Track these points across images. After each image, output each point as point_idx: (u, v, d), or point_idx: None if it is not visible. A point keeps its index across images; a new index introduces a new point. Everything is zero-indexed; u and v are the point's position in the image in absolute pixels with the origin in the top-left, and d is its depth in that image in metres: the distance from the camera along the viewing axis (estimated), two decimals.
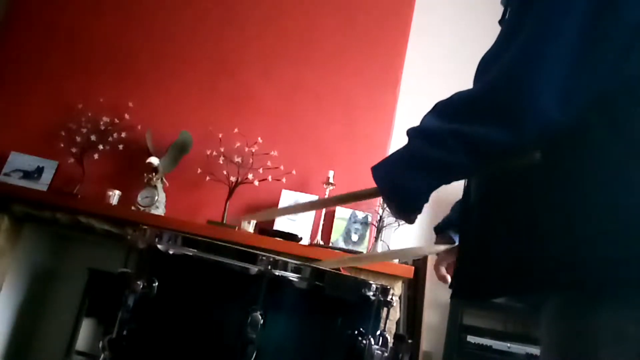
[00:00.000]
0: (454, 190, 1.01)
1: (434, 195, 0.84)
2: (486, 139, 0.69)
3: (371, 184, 0.89)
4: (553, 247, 0.68)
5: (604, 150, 0.67)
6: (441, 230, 1.07)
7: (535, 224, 0.71)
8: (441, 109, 0.77)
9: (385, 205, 2.52)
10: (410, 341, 1.01)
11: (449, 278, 1.06)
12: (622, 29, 0.64)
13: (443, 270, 1.08)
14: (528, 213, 0.72)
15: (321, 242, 2.54)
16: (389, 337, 1.05)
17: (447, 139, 0.72)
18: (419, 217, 1.07)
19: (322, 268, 0.99)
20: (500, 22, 0.83)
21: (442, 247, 1.04)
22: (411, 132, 0.79)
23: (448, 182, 0.78)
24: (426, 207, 0.83)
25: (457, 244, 1.01)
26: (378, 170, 0.82)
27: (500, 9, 0.84)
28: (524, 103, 0.66)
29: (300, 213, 2.52)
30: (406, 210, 0.85)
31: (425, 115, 0.79)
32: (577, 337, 0.67)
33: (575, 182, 0.68)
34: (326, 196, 2.57)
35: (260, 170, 2.64)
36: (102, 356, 0.95)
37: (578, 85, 0.66)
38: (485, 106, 0.70)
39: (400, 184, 0.79)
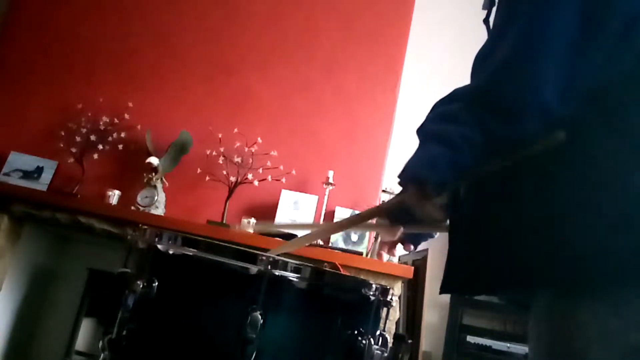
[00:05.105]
0: None
1: None
2: (494, 129, 0.68)
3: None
4: (539, 243, 0.68)
5: (594, 144, 0.66)
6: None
7: (522, 219, 0.70)
8: (441, 102, 0.76)
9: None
10: (409, 341, 1.01)
11: (385, 256, 1.06)
12: (617, 20, 0.64)
13: (385, 248, 1.08)
14: (515, 208, 0.72)
15: (321, 242, 2.54)
16: (388, 337, 1.05)
17: (460, 113, 0.70)
18: None
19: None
20: (484, 21, 0.83)
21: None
22: (420, 127, 0.77)
23: (468, 159, 0.71)
24: None
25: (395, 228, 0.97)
26: (402, 171, 0.77)
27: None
28: (527, 97, 0.66)
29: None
30: (430, 187, 0.75)
31: (428, 114, 0.79)
32: (564, 335, 0.67)
33: (561, 178, 0.68)
34: (326, 196, 2.57)
35: (260, 170, 2.64)
36: (102, 356, 0.95)
37: (576, 77, 0.65)
38: (489, 100, 0.69)
39: (420, 160, 0.73)
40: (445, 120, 0.72)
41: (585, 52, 0.65)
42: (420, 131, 0.77)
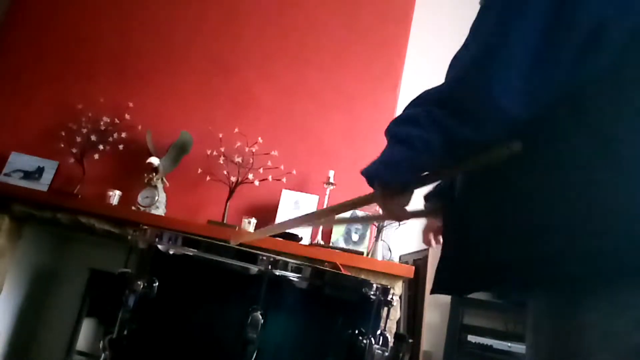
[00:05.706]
0: None
1: None
2: (453, 132, 0.71)
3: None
4: (531, 242, 0.68)
5: (571, 144, 0.67)
6: (430, 198, 1.06)
7: (512, 218, 0.71)
8: (410, 105, 0.79)
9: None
10: (410, 341, 1.01)
11: (433, 243, 1.08)
12: (583, 25, 0.64)
13: (430, 235, 1.11)
14: (505, 207, 0.72)
15: (321, 242, 2.54)
16: (389, 337, 1.06)
17: (421, 117, 0.74)
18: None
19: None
20: None
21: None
22: (388, 127, 0.81)
23: (428, 162, 0.76)
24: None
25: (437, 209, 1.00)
26: (366, 169, 0.82)
27: None
28: (482, 102, 0.68)
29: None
30: (393, 187, 0.82)
31: (398, 116, 0.81)
32: (567, 336, 0.67)
33: (548, 177, 0.68)
34: (326, 196, 2.57)
35: (261, 170, 2.64)
36: (102, 356, 0.95)
37: (541, 81, 0.66)
38: (450, 103, 0.72)
39: (383, 161, 0.79)
40: (407, 124, 0.76)
41: (552, 57, 0.66)
42: (387, 132, 0.81)
